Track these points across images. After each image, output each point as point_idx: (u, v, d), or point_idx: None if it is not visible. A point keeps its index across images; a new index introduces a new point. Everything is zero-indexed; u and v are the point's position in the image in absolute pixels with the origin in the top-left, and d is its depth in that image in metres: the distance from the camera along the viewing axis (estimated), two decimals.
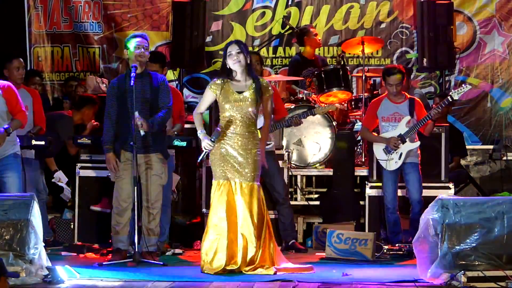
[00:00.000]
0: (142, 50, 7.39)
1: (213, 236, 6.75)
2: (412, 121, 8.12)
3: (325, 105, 8.71)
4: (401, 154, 8.11)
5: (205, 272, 6.70)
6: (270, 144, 8.21)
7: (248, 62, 6.87)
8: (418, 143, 8.15)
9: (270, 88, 7.00)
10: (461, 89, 8.07)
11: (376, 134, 8.29)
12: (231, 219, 6.74)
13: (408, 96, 8.31)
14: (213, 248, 6.73)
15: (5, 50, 8.51)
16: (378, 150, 8.22)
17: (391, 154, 8.12)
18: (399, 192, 8.30)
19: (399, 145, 8.06)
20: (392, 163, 8.12)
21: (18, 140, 7.45)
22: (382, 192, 8.28)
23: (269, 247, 6.79)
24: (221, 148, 6.84)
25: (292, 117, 8.39)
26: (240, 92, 6.82)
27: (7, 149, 7.31)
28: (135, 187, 7.21)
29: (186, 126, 9.06)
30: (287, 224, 8.38)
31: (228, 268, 6.67)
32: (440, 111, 8.04)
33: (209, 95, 6.89)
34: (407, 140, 8.09)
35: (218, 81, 6.87)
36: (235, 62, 6.80)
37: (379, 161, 8.24)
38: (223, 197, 6.78)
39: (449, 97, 8.02)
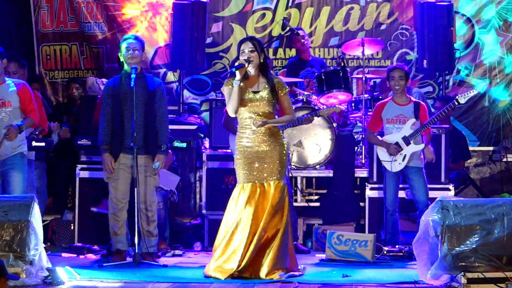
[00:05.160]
0: (131, 51, 7.34)
1: (228, 238, 6.55)
2: (417, 124, 8.13)
3: (330, 107, 8.68)
4: (405, 156, 8.10)
5: (212, 274, 6.47)
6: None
7: (262, 60, 6.72)
8: (422, 145, 8.14)
9: (285, 85, 6.82)
10: (467, 94, 8.07)
11: (379, 137, 8.29)
12: (253, 222, 6.50)
13: (413, 99, 8.31)
14: (229, 251, 6.52)
15: (13, 49, 8.46)
16: (382, 151, 8.22)
17: (395, 155, 8.11)
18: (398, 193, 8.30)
19: (398, 152, 8.07)
20: (395, 164, 8.11)
21: (26, 140, 7.40)
22: (383, 193, 8.28)
23: (286, 248, 6.59)
24: (245, 151, 6.68)
25: (303, 116, 8.36)
26: (255, 92, 6.69)
27: (16, 147, 7.27)
28: (135, 189, 7.21)
29: (185, 128, 9.05)
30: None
31: (241, 274, 6.39)
32: (444, 115, 8.04)
33: (228, 92, 6.68)
34: (411, 142, 8.09)
35: (231, 80, 6.67)
36: None
37: (383, 162, 8.22)
38: (244, 200, 6.58)
39: (455, 100, 8.03)
